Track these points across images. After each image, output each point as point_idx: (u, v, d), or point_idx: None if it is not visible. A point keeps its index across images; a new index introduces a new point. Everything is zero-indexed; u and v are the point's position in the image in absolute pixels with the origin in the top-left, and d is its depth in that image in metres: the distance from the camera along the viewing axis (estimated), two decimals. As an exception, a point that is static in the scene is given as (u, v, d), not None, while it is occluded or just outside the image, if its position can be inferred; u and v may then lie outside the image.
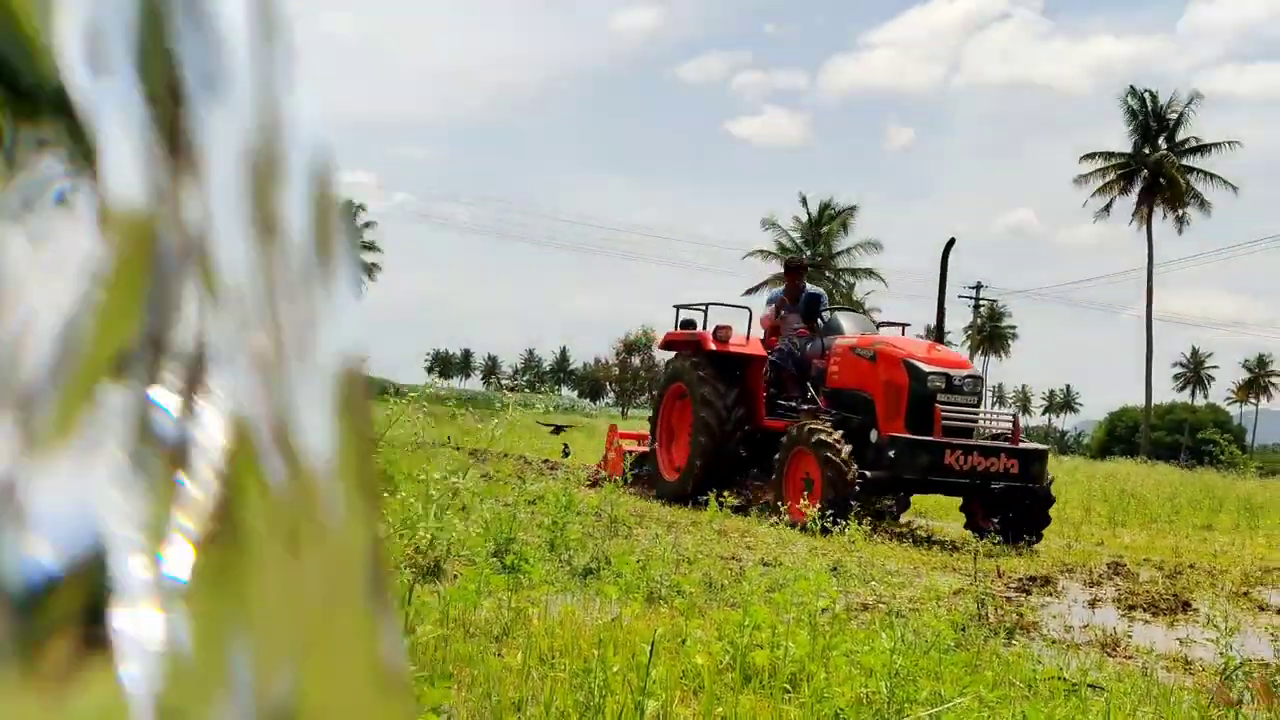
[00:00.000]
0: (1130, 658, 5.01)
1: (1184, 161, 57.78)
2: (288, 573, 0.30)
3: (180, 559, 0.27)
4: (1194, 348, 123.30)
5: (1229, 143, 58.45)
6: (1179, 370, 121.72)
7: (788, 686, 3.49)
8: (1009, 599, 6.57)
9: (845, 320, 11.95)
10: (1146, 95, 59.51)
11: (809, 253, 65.54)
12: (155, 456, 0.28)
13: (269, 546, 0.29)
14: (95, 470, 0.27)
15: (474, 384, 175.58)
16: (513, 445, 20.16)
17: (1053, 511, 10.42)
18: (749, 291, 62.99)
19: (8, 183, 0.27)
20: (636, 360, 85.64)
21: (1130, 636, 5.67)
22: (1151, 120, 59.09)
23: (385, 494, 5.16)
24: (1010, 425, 10.42)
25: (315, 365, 0.32)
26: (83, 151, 0.28)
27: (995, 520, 9.99)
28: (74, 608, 0.26)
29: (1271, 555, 10.99)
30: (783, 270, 13.40)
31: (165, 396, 0.28)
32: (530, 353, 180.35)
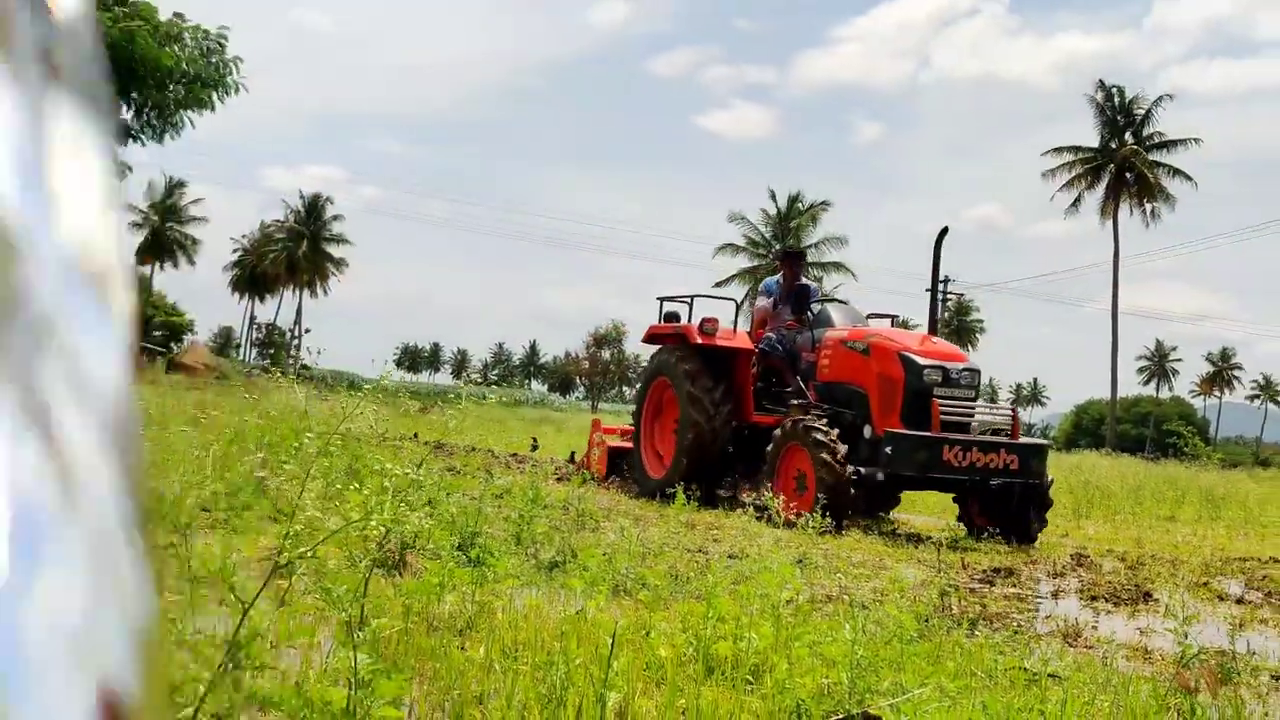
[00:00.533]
0: (1091, 647, 5.06)
1: (1151, 157, 58.22)
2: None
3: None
4: (1159, 341, 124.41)
5: (1192, 139, 58.95)
6: (1144, 364, 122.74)
7: (750, 677, 3.51)
8: (973, 590, 6.62)
9: (835, 312, 11.60)
10: (1115, 90, 59.92)
11: (777, 246, 65.67)
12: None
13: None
14: None
15: (444, 378, 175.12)
16: (481, 439, 20.14)
17: None
18: (718, 285, 63.18)
19: None
20: (607, 354, 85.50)
21: (1095, 627, 5.72)
22: (1119, 115, 59.50)
23: (354, 487, 5.14)
24: (1009, 420, 10.13)
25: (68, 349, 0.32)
26: None
27: (990, 519, 9.77)
28: None
29: (1231, 546, 11.11)
30: (779, 259, 12.97)
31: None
32: (500, 346, 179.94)
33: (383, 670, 2.18)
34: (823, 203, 67.20)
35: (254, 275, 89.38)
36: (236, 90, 21.80)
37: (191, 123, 21.70)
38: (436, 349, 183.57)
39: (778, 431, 10.22)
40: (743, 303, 12.50)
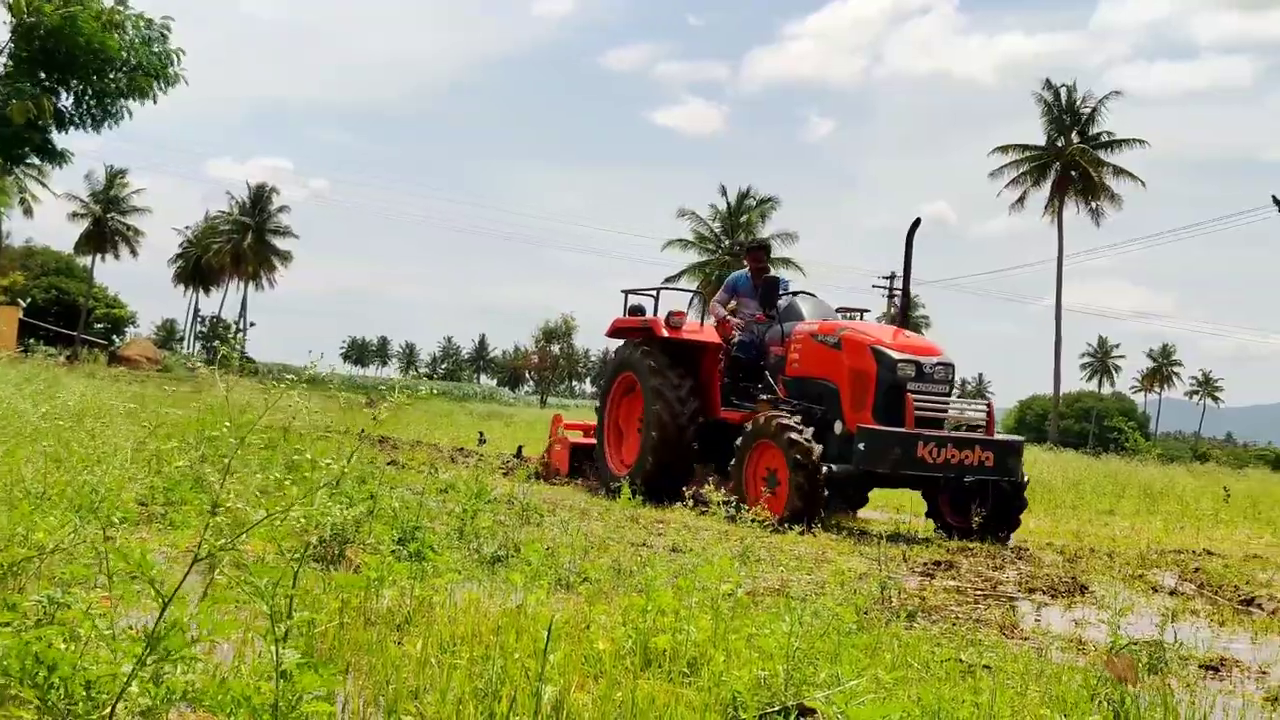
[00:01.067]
0: (1027, 639, 5.12)
1: (1095, 156, 58.92)
2: None
3: None
4: (1102, 338, 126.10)
5: (1137, 140, 59.74)
6: (1087, 360, 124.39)
7: (687, 670, 3.52)
8: (912, 582, 6.67)
9: (805, 305, 11.28)
10: (1062, 89, 60.55)
11: (727, 242, 65.87)
12: None
13: None
14: None
15: (393, 372, 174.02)
16: (428, 434, 20.04)
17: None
18: (668, 280, 63.17)
19: None
20: (556, 348, 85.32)
21: (1037, 620, 5.79)
22: (1065, 114, 60.15)
23: (288, 481, 5.08)
24: (984, 415, 9.90)
25: None
26: None
27: (970, 515, 9.62)
28: None
29: (1167, 539, 11.29)
30: (745, 252, 12.72)
31: None
32: (449, 340, 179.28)
33: (309, 664, 2.16)
34: (771, 199, 67.56)
35: (198, 267, 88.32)
36: (177, 82, 21.50)
37: (129, 112, 21.38)
38: (384, 343, 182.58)
39: (748, 427, 10.00)
40: (694, 296, 12.22)
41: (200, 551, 2.13)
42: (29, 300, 68.44)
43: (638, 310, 12.31)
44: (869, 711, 2.59)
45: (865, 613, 4.86)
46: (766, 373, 10.91)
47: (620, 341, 12.27)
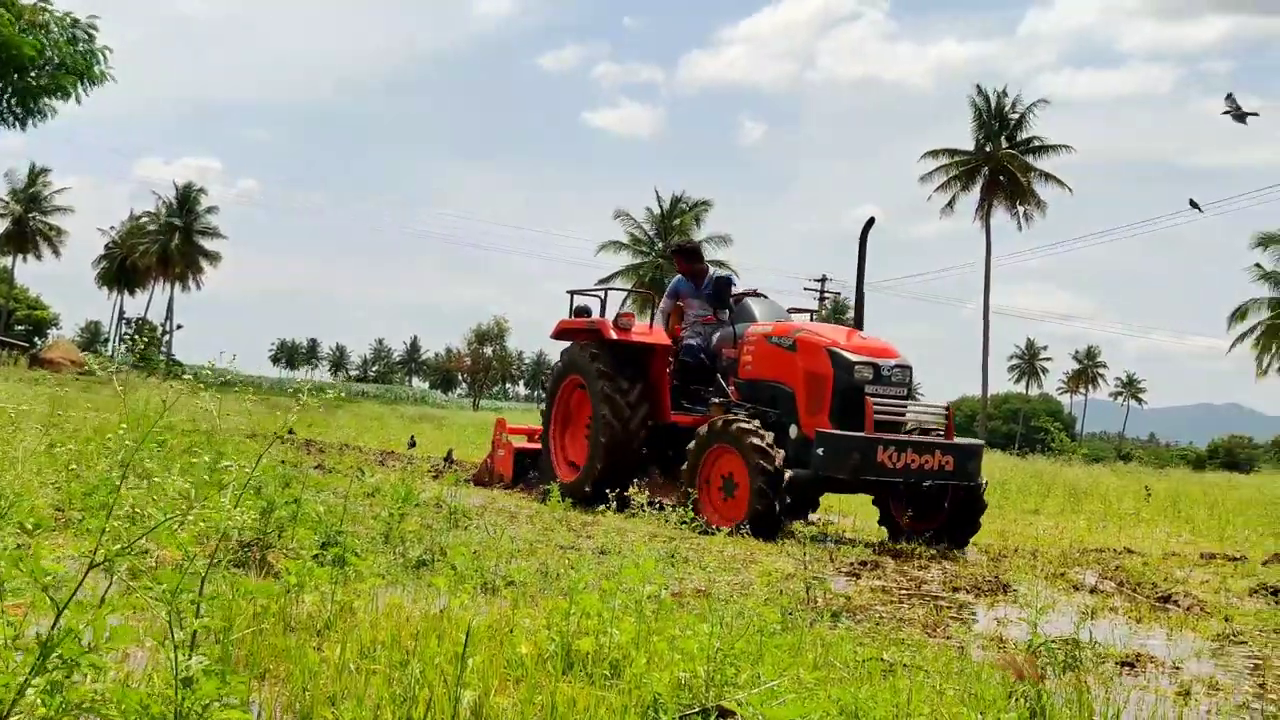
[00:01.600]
0: (949, 638, 5.18)
1: (1023, 161, 59.79)
2: None
3: None
4: (1029, 340, 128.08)
5: (1064, 146, 60.72)
6: (1015, 362, 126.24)
7: (609, 673, 3.51)
8: (838, 583, 6.72)
9: (756, 306, 10.99)
10: (992, 94, 61.38)
11: (661, 244, 66.01)
12: None
13: None
14: None
15: (321, 374, 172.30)
16: (356, 437, 19.84)
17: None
18: (601, 282, 63.18)
19: None
20: (489, 350, 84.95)
21: (960, 619, 5.85)
22: (993, 120, 60.97)
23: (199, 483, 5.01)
24: (943, 418, 9.64)
25: None
26: None
27: (920, 523, 9.48)
28: None
29: (1090, 537, 11.49)
30: (674, 255, 12.38)
31: None
32: (380, 342, 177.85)
33: (213, 671, 2.12)
34: (704, 202, 67.80)
35: (123, 268, 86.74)
36: (104, 80, 21.09)
37: (53, 111, 20.94)
38: (314, 345, 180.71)
39: (702, 432, 9.74)
40: (625, 294, 11.84)
41: (96, 557, 2.08)
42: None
43: (583, 311, 11.98)
44: (784, 712, 2.60)
45: (790, 613, 4.89)
46: (718, 375, 10.72)
47: (565, 343, 11.93)
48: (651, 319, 11.70)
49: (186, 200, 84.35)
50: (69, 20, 20.80)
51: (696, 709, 3.07)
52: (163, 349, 75.11)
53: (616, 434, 10.68)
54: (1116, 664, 4.81)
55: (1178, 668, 4.89)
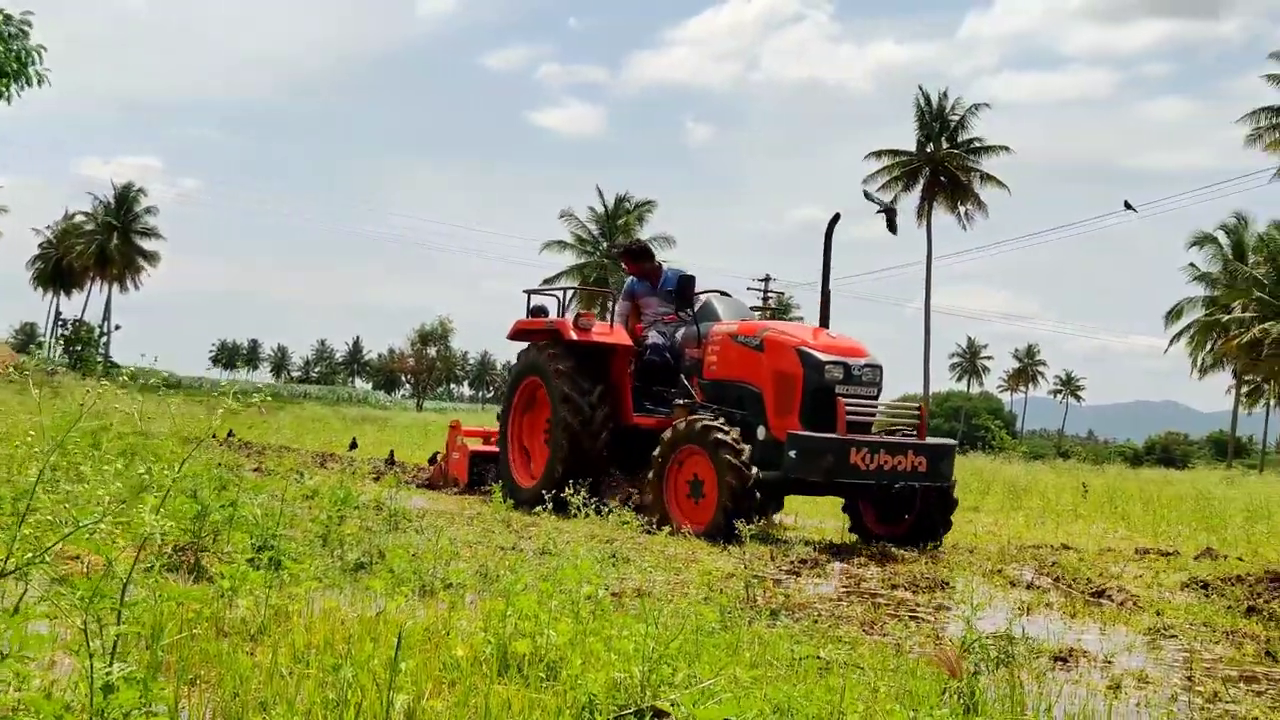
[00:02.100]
0: (886, 635, 5.21)
1: (964, 162, 60.44)
2: None
3: None
4: (970, 339, 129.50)
5: (1003, 147, 61.43)
6: (956, 360, 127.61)
7: (545, 674, 3.50)
8: (778, 581, 6.75)
9: (720, 304, 10.77)
10: (934, 95, 61.99)
11: (605, 244, 66.01)
12: None
13: None
14: None
15: (263, 376, 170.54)
16: (297, 438, 19.66)
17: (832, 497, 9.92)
18: (546, 282, 63.06)
19: None
20: (433, 351, 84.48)
21: (897, 616, 5.90)
22: (935, 121, 61.56)
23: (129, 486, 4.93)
24: (916, 418, 9.49)
25: None
26: None
27: (890, 525, 9.38)
28: None
29: (1028, 534, 11.63)
30: (621, 257, 12.12)
31: None
32: (322, 343, 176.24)
33: (132, 678, 2.09)
34: (648, 202, 67.90)
35: (59, 269, 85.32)
36: (40, 82, 20.71)
37: (-16, 111, 20.52)
38: (255, 346, 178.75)
39: (668, 433, 9.51)
40: (570, 292, 11.60)
41: (7, 565, 2.04)
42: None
43: (539, 311, 11.71)
44: (716, 711, 2.61)
45: (729, 612, 4.90)
46: (681, 376, 10.49)
47: (522, 344, 11.62)
48: (611, 318, 11.45)
49: (125, 200, 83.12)
50: (2, 17, 20.41)
51: (631, 710, 3.07)
52: (100, 351, 73.88)
53: (578, 436, 10.43)
54: (1050, 659, 4.87)
55: (1109, 662, 4.97)
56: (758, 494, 8.81)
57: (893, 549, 8.91)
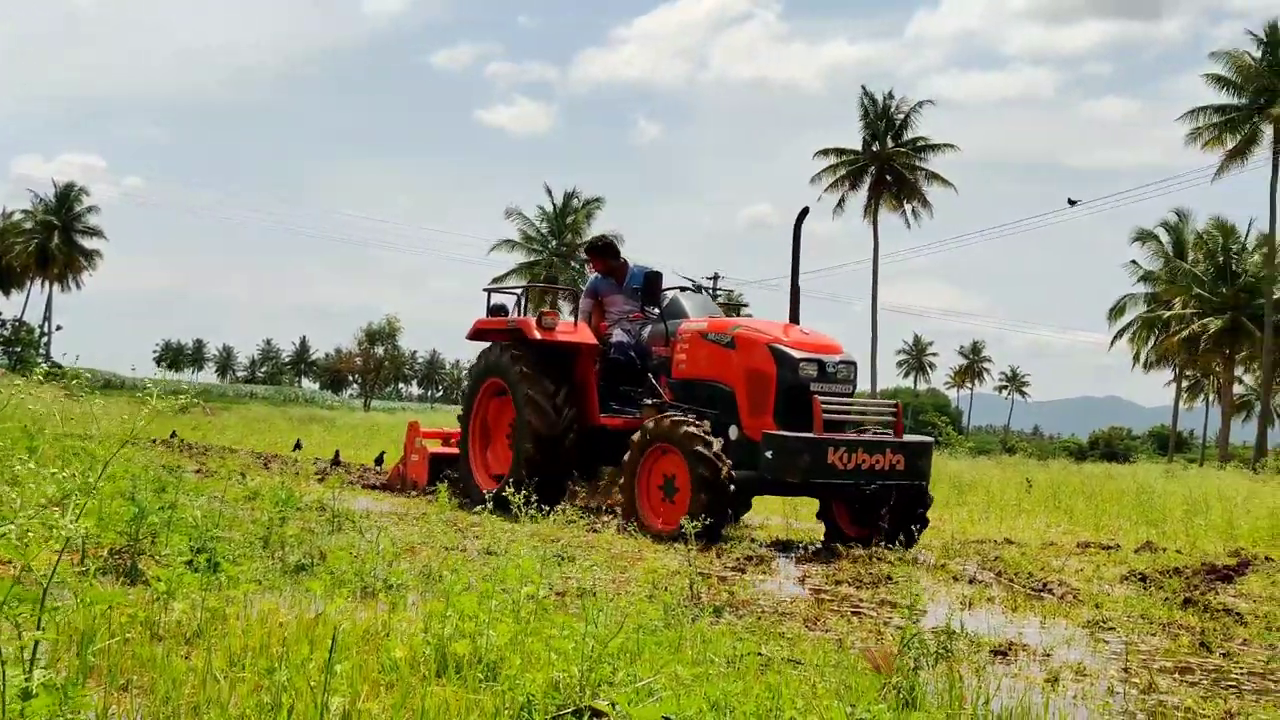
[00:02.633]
0: (828, 631, 5.24)
1: (910, 160, 60.92)
2: None
3: None
4: (917, 336, 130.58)
5: (948, 145, 61.99)
6: (903, 357, 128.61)
7: (485, 675, 3.48)
8: (723, 578, 6.77)
9: (687, 301, 10.50)
10: (879, 95, 62.44)
11: (554, 242, 65.90)
12: None
13: None
14: None
15: (208, 376, 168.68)
16: (241, 439, 19.46)
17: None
18: (496, 280, 62.86)
19: None
20: (380, 350, 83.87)
21: (840, 612, 5.93)
22: (880, 120, 62.00)
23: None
24: (893, 416, 9.27)
25: None
26: None
27: (866, 525, 9.08)
28: None
29: (972, 529, 11.74)
30: (586, 254, 11.75)
31: None
32: (268, 342, 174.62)
33: (54, 684, 2.05)
34: (597, 199, 67.85)
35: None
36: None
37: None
38: (200, 346, 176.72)
39: (639, 433, 9.28)
40: (527, 291, 11.40)
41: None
42: None
43: (499, 310, 11.45)
44: (651, 711, 2.60)
45: (672, 610, 4.90)
46: (649, 375, 10.24)
47: (485, 344, 11.33)
48: (576, 315, 11.20)
49: (66, 198, 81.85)
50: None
51: (569, 709, 3.06)
52: (41, 351, 72.73)
53: (543, 439, 10.16)
54: (990, 653, 4.92)
55: (1048, 655, 5.02)
56: (732, 491, 8.64)
57: (838, 546, 8.95)
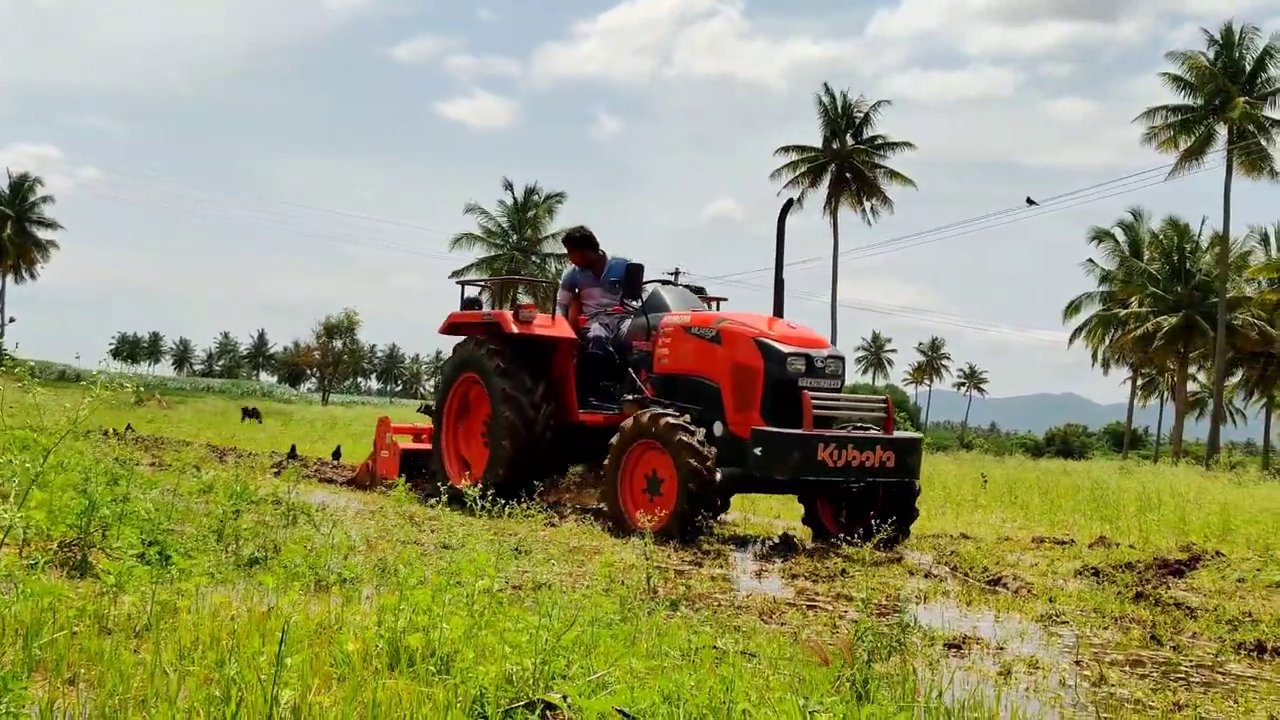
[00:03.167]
0: (784, 624, 5.25)
1: (869, 158, 61.20)
2: None
3: None
4: (875, 332, 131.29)
5: (906, 143, 62.31)
6: (862, 354, 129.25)
7: (437, 669, 3.46)
8: (680, 572, 6.77)
9: (668, 295, 10.25)
10: (838, 94, 62.66)
11: (515, 237, 65.70)
12: None
13: None
14: None
15: (164, 369, 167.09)
16: (197, 433, 19.28)
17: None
18: (455, 274, 62.62)
19: None
20: (339, 344, 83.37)
21: (796, 605, 5.94)
22: (840, 118, 62.24)
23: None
24: (883, 412, 9.07)
25: None
26: None
27: (853, 523, 8.72)
28: None
29: (929, 524, 11.78)
30: (564, 245, 11.42)
31: None
32: (225, 336, 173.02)
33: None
34: (558, 194, 67.62)
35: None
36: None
37: None
38: (156, 339, 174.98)
39: (624, 428, 9.05)
40: (481, 286, 11.21)
41: None
42: None
43: (473, 303, 11.26)
44: (602, 703, 2.60)
45: (628, 603, 4.89)
46: (629, 370, 10.01)
47: (459, 339, 11.09)
48: (554, 310, 10.90)
49: (20, 189, 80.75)
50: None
51: (522, 702, 3.05)
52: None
53: (521, 436, 9.92)
54: (944, 646, 4.95)
55: (1002, 648, 5.06)
56: (718, 488, 8.49)
57: (795, 539, 8.98)
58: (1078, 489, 16.62)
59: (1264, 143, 46.66)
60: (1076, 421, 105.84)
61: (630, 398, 9.67)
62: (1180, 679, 4.68)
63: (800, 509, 9.85)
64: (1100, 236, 58.30)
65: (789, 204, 10.06)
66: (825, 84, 63.10)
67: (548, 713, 3.02)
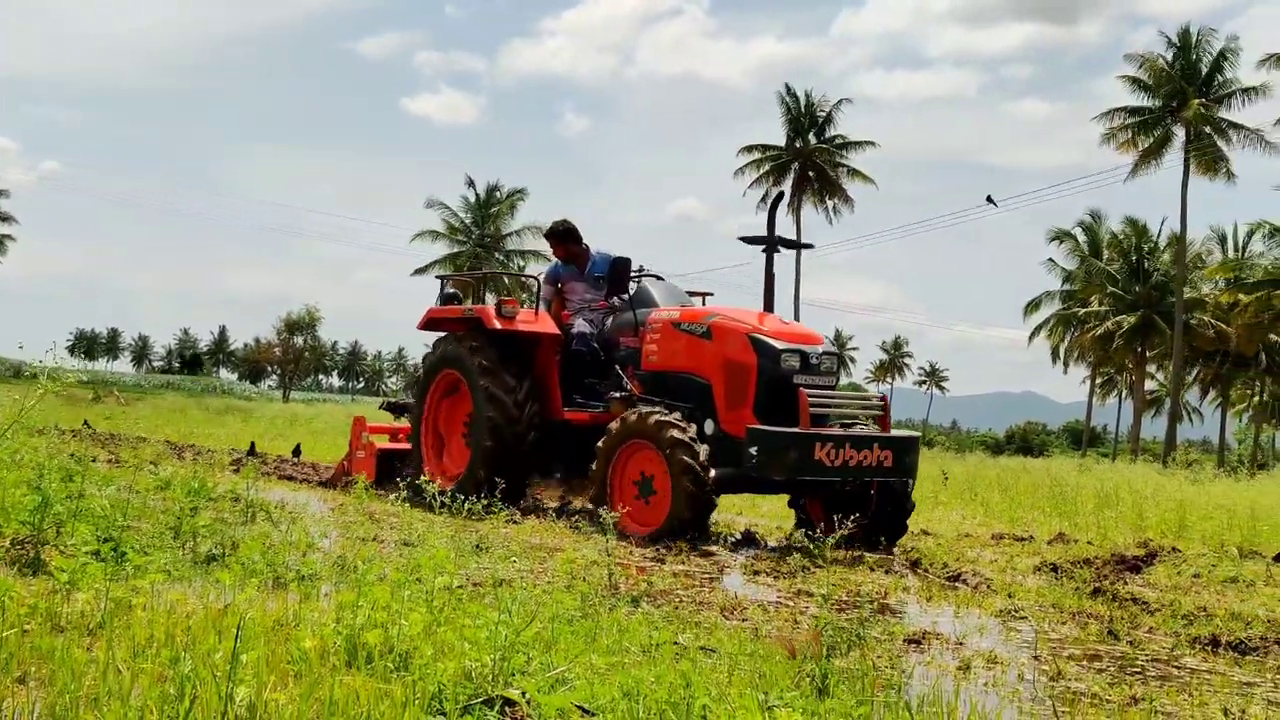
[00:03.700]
0: (746, 620, 5.26)
1: (831, 157, 61.45)
2: None
3: None
4: (838, 331, 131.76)
5: (869, 142, 62.62)
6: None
7: (395, 665, 3.43)
8: (642, 568, 6.77)
9: (655, 289, 9.99)
10: (801, 93, 62.89)
11: (477, 233, 65.48)
12: None
13: None
14: None
15: (123, 366, 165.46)
16: (156, 429, 19.10)
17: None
18: (418, 272, 62.38)
19: None
20: (300, 340, 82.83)
21: (758, 601, 5.95)
22: (803, 117, 62.45)
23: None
24: (880, 410, 8.87)
25: None
26: None
27: (848, 517, 8.01)
28: None
29: (890, 521, 11.84)
30: (546, 239, 11.08)
31: None
32: (185, 332, 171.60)
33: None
34: (520, 190, 67.43)
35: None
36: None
37: None
38: (115, 334, 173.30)
39: (611, 429, 8.82)
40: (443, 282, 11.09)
41: None
42: None
43: (452, 299, 11.00)
44: (560, 698, 2.58)
45: (589, 599, 4.88)
46: (615, 367, 9.73)
47: (438, 335, 10.79)
48: (537, 304, 10.52)
49: (-27, 182, 79.73)
50: None
51: (481, 699, 3.03)
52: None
53: (504, 436, 9.66)
54: (904, 641, 4.97)
55: (961, 643, 5.09)
56: (713, 488, 8.28)
57: (757, 536, 8.99)
58: (1037, 486, 16.74)
59: (1220, 144, 47.22)
60: (1036, 419, 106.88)
61: (617, 395, 9.47)
62: (1136, 673, 4.72)
63: (760, 506, 9.86)
64: (1060, 237, 58.79)
65: (779, 198, 9.95)
66: (787, 84, 63.14)
67: (506, 709, 3.00)
